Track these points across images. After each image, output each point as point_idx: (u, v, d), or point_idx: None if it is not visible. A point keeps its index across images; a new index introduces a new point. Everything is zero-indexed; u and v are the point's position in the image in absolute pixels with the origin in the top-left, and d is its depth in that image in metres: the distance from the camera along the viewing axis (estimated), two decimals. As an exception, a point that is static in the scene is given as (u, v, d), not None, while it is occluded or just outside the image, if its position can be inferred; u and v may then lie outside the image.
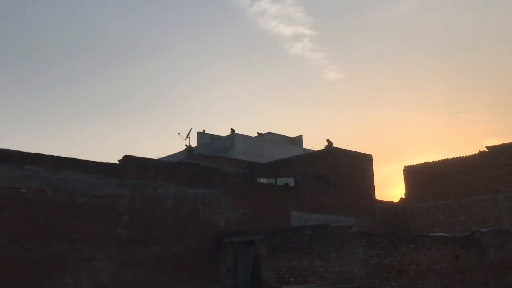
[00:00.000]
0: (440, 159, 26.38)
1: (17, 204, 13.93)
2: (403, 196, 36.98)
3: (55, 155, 14.97)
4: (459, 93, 71.44)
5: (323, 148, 26.46)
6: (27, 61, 67.66)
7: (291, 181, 23.41)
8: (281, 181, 23.38)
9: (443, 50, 71.61)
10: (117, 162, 16.53)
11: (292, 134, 42.00)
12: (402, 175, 27.60)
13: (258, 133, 38.27)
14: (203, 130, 39.91)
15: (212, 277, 17.82)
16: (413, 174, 27.11)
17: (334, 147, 24.54)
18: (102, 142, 67.43)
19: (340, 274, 14.36)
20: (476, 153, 24.85)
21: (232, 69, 72.51)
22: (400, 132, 71.59)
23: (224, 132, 38.38)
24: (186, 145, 36.33)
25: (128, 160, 16.60)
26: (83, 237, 15.00)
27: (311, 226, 15.78)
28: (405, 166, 27.46)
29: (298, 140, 42.02)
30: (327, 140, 24.96)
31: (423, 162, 27.04)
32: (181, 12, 72.33)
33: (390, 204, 30.16)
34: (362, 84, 75.14)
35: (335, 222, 20.63)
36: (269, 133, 41.06)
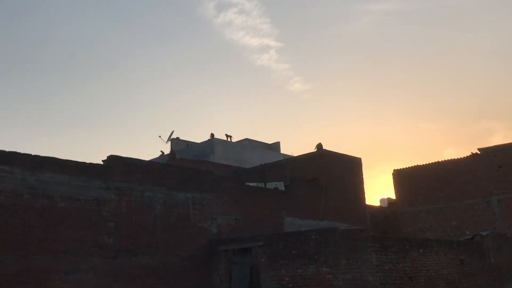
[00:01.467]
0: (430, 162, 25.80)
1: (-11, 209, 12.18)
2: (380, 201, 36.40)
3: (33, 154, 13.29)
4: (418, 104, 72.68)
5: (307, 152, 25.40)
6: (9, 62, 64.36)
7: (281, 185, 22.26)
8: (270, 186, 22.19)
9: (402, 61, 72.88)
10: (101, 163, 14.94)
11: (265, 141, 41.04)
12: (392, 179, 26.85)
13: (226, 135, 36.79)
14: (177, 137, 38.41)
15: (205, 289, 16.37)
16: (402, 178, 26.43)
17: (324, 149, 23.53)
18: (73, 146, 64.68)
19: (351, 282, 13.23)
20: (468, 155, 24.37)
21: (198, 79, 71.23)
22: (362, 141, 72.05)
23: (198, 139, 37.02)
24: (161, 151, 34.90)
25: (113, 161, 15.04)
26: (65, 246, 13.33)
27: (317, 231, 14.62)
28: (394, 170, 26.77)
29: (276, 146, 41.16)
30: (318, 144, 23.86)
31: (413, 165, 26.42)
32: (147, 23, 70.67)
33: (379, 208, 29.38)
34: (326, 95, 75.55)
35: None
36: (246, 139, 40.00)
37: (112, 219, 14.51)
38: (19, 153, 12.98)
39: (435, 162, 25.49)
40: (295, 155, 30.15)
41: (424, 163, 25.95)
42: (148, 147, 74.54)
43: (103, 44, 69.75)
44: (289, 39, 73.39)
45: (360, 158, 24.76)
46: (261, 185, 22.19)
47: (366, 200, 24.68)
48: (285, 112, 73.98)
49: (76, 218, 13.71)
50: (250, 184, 22.27)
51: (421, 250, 14.96)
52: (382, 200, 38.99)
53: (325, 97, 75.67)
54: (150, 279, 15.03)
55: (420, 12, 70.32)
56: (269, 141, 41.43)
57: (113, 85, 71.08)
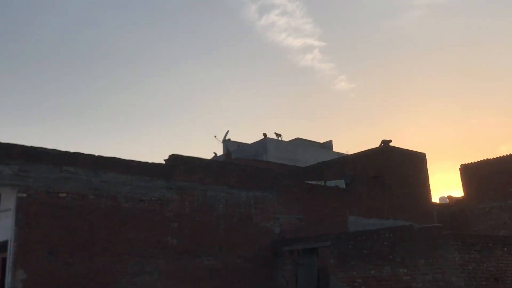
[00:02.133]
0: (500, 156, 24.10)
1: (56, 211, 12.06)
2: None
3: (96, 154, 13.12)
4: (471, 99, 69.18)
5: (362, 150, 24.25)
6: (71, 60, 66.74)
7: (341, 184, 21.37)
8: (330, 184, 21.36)
9: (453, 56, 69.59)
10: (163, 162, 14.64)
11: (315, 140, 40.13)
12: (459, 175, 25.32)
13: (275, 133, 36.08)
14: (229, 138, 38.22)
15: (270, 291, 15.76)
16: (470, 173, 24.85)
17: (388, 145, 22.35)
18: (128, 146, 66.05)
19: (432, 283, 12.24)
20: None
21: (242, 82, 71.05)
22: (412, 138, 69.48)
23: (247, 140, 36.64)
24: (214, 152, 34.75)
25: (175, 160, 14.71)
26: (130, 248, 13.06)
27: (390, 229, 13.71)
28: (461, 165, 25.24)
29: (328, 144, 40.26)
30: (384, 140, 22.63)
31: (481, 160, 24.79)
32: (194, 28, 71.16)
33: (445, 206, 27.86)
34: (373, 93, 73.29)
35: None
36: (297, 138, 39.29)
37: (175, 220, 14.17)
38: (83, 153, 12.83)
39: (506, 155, 23.76)
40: (349, 153, 29.22)
41: (494, 157, 24.28)
42: (199, 149, 75.12)
43: (156, 49, 70.92)
44: (332, 38, 72.07)
45: (424, 154, 23.50)
46: (321, 183, 21.42)
47: (432, 197, 23.38)
48: (332, 111, 72.64)
49: (139, 218, 13.44)
50: (310, 183, 21.55)
51: (505, 249, 13.72)
52: (441, 199, 37.06)
53: (371, 95, 73.66)
54: (214, 280, 14.58)
55: (468, 3, 67.26)
56: (319, 140, 40.61)
57: (164, 88, 72.13)
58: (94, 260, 12.39)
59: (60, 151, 12.50)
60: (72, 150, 12.68)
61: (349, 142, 74.40)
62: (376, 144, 22.93)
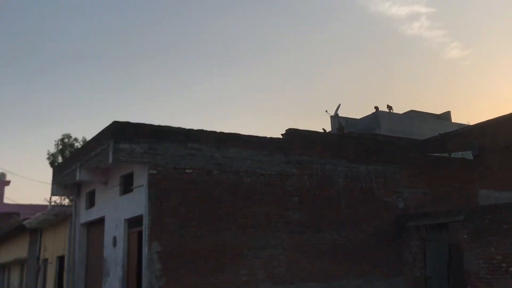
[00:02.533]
0: None
1: (183, 186, 12.51)
2: None
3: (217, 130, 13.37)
4: None
5: (496, 117, 22.10)
6: (199, 54, 70.73)
7: (468, 155, 19.77)
8: (456, 156, 19.87)
9: None
10: (281, 137, 14.55)
11: (430, 111, 37.66)
12: None
13: (387, 105, 34.08)
14: (337, 114, 37.31)
15: (396, 268, 15.12)
16: None
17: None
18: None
19: None
20: None
21: (346, 55, 68.73)
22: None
23: (355, 114, 35.44)
24: (323, 129, 34.18)
25: (292, 134, 14.54)
26: (254, 222, 13.21)
27: (536, 201, 12.33)
28: None
29: (446, 115, 37.54)
30: None
31: None
32: (296, 5, 70.24)
33: None
34: (490, 59, 66.55)
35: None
36: (411, 111, 37.21)
37: (295, 194, 14.06)
38: (206, 130, 13.13)
39: None
40: (471, 124, 26.96)
41: None
42: (308, 125, 74.92)
43: (266, 32, 71.62)
44: (441, 3, 67.04)
45: None
46: (445, 156, 20.03)
47: None
48: (446, 81, 67.86)
49: (261, 193, 13.51)
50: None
51: None
52: None
53: (488, 62, 67.36)
54: (338, 256, 14.31)
55: None
56: (435, 111, 38.14)
57: (276, 65, 72.79)
58: (221, 234, 12.70)
59: (185, 128, 12.89)
60: (195, 127, 13.05)
61: (469, 112, 69.15)
62: (501, 112, 20.84)
